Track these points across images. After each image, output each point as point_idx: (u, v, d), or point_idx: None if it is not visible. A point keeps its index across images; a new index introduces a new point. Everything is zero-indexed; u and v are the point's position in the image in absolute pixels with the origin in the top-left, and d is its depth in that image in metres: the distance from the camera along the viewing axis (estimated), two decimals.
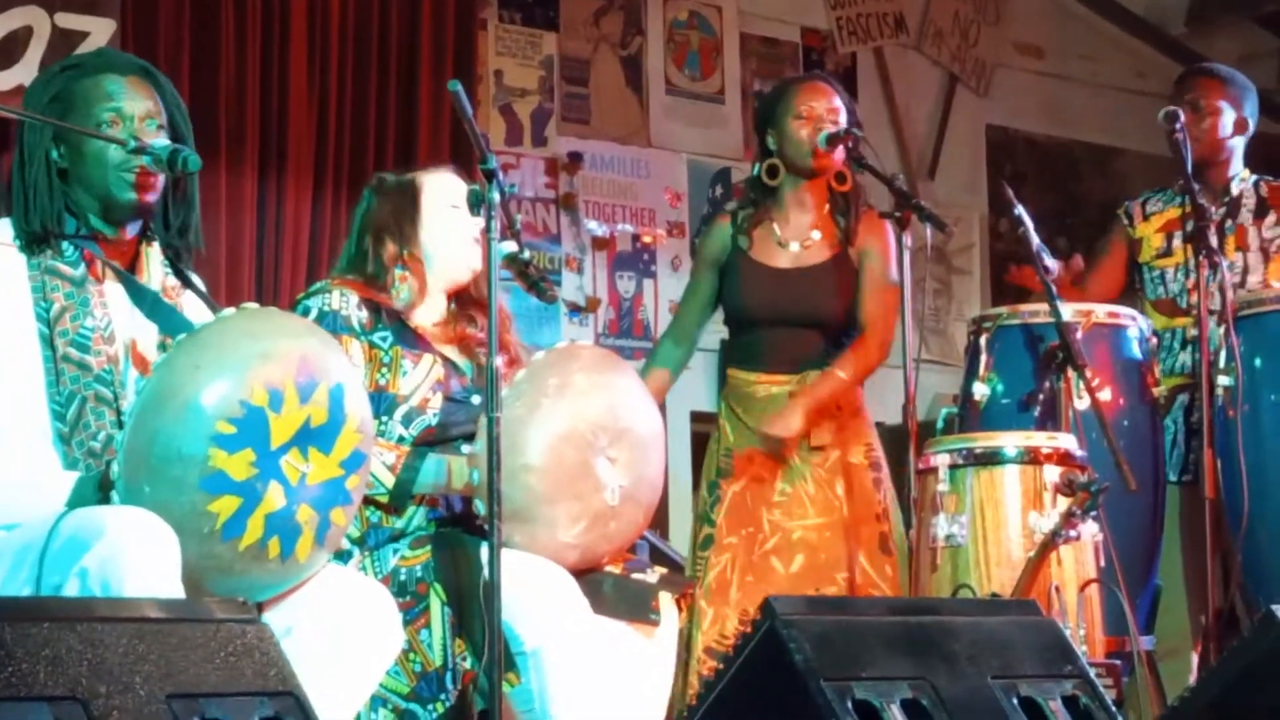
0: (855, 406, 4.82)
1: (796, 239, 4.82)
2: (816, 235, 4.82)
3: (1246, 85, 5.35)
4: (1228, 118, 5.24)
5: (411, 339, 4.01)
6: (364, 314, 3.99)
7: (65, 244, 3.33)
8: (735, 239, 4.84)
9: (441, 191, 4.10)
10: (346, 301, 3.99)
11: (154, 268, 3.46)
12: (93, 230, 3.36)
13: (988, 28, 9.61)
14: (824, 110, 4.75)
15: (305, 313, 3.97)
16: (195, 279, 3.53)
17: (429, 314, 4.10)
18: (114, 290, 3.37)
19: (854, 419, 4.79)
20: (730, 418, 4.82)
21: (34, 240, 3.31)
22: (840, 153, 4.73)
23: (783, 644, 2.80)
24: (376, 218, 4.15)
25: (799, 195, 4.82)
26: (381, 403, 3.90)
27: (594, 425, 3.86)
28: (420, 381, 3.96)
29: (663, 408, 4.44)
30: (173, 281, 3.48)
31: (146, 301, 3.38)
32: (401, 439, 3.91)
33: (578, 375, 3.88)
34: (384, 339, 3.98)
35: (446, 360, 4.01)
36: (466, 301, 4.13)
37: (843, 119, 4.75)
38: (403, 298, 4.05)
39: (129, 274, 3.40)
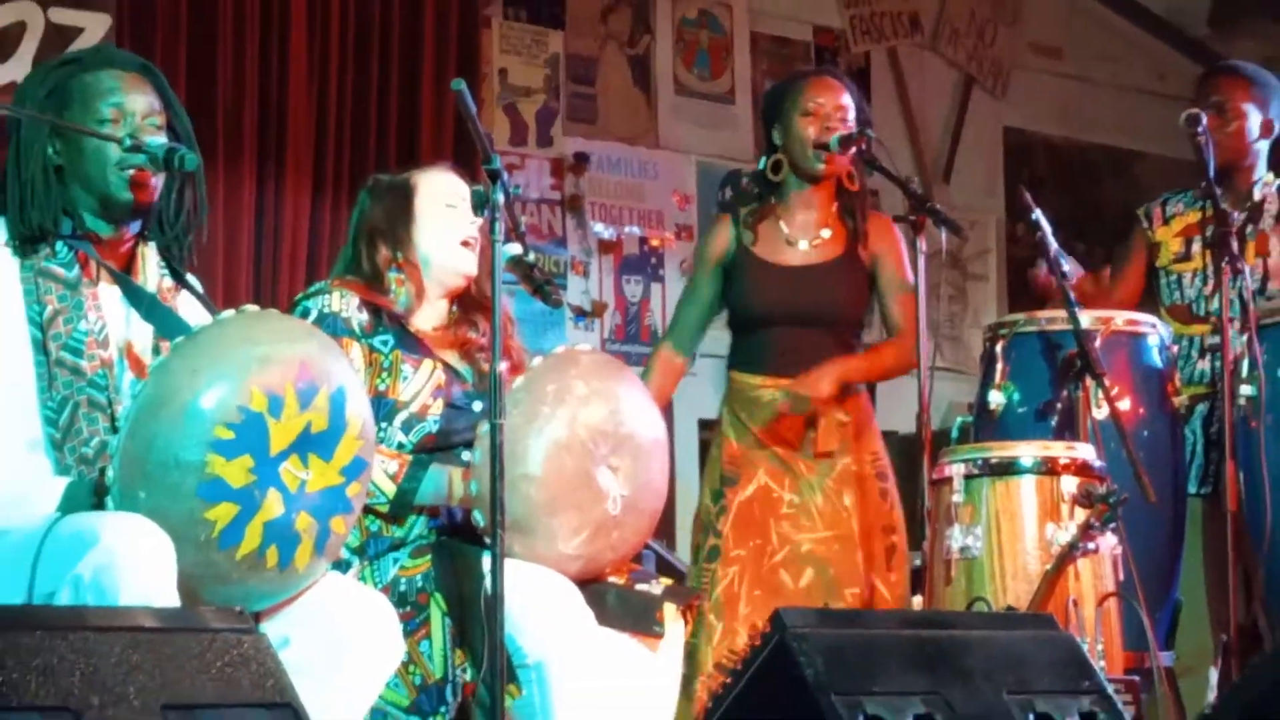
0: (866, 415, 4.82)
1: (806, 236, 4.81)
2: (827, 233, 4.81)
3: (1274, 85, 5.33)
4: (1254, 120, 5.24)
5: (412, 343, 4.02)
6: (365, 316, 4.00)
7: (59, 245, 3.33)
8: (739, 237, 4.83)
9: (436, 191, 4.11)
10: (347, 303, 4.00)
11: (150, 269, 3.46)
12: (88, 231, 3.36)
13: (1005, 28, 9.62)
14: (832, 108, 4.73)
15: (305, 314, 3.98)
16: (192, 280, 3.53)
17: (429, 318, 4.10)
18: (109, 292, 3.37)
19: (864, 429, 4.79)
20: (734, 423, 4.80)
21: (27, 241, 3.31)
22: (853, 155, 4.72)
23: (793, 657, 2.80)
24: (371, 220, 4.16)
25: (805, 193, 4.81)
26: (381, 408, 3.90)
27: (594, 433, 3.85)
28: (421, 387, 3.97)
29: (669, 416, 4.44)
30: (169, 283, 3.49)
31: (143, 303, 3.38)
32: (402, 445, 3.92)
33: (577, 381, 3.88)
34: (385, 343, 3.98)
35: (447, 366, 4.02)
36: (469, 305, 4.13)
37: (851, 117, 4.74)
38: (401, 301, 4.06)
39: (125, 275, 3.40)
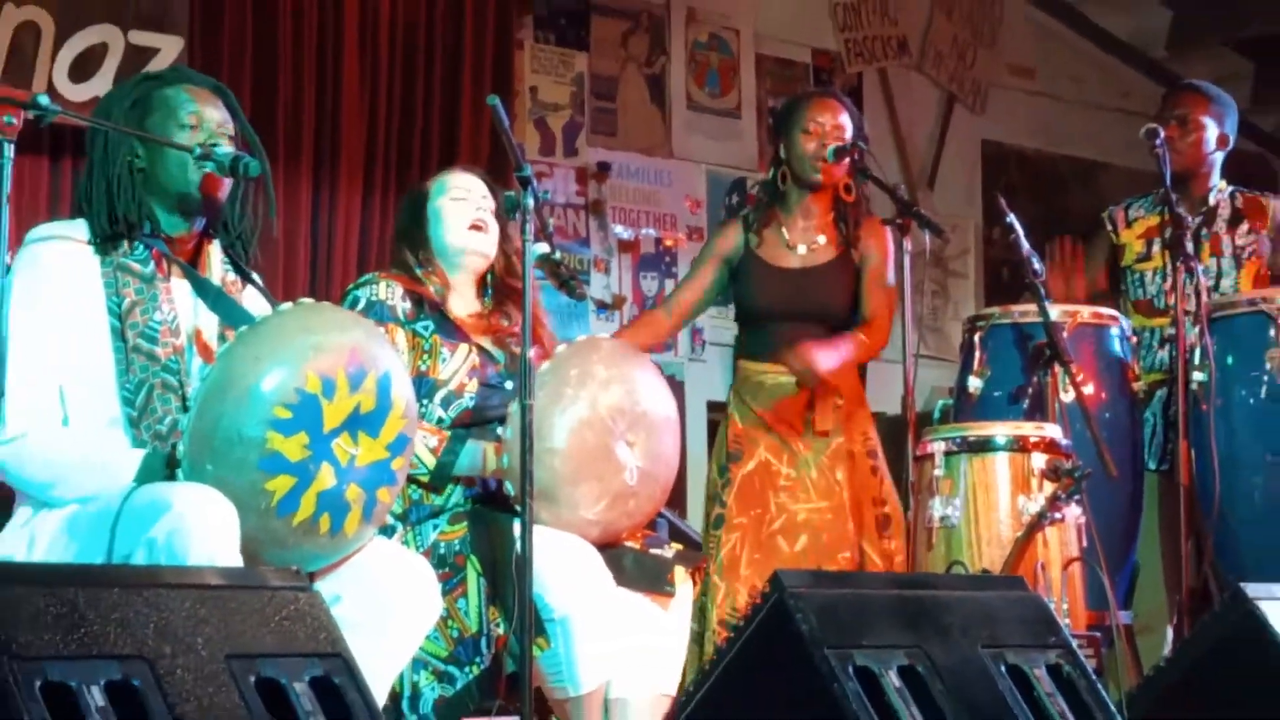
0: (858, 398, 4.82)
1: (803, 242, 4.80)
2: (821, 239, 4.81)
3: (1229, 103, 5.33)
4: (1211, 133, 5.22)
5: (450, 329, 4.02)
6: (407, 304, 4.01)
7: (136, 243, 3.34)
8: (746, 241, 4.83)
9: (444, 190, 4.14)
10: (392, 292, 4.01)
11: (215, 264, 3.47)
12: (162, 230, 3.37)
13: (983, 50, 9.60)
14: (830, 126, 4.73)
15: (354, 302, 4.00)
16: (253, 274, 3.54)
17: (463, 305, 4.11)
18: (179, 286, 3.38)
19: (857, 410, 4.79)
20: (739, 406, 4.81)
21: (107, 239, 3.32)
22: (845, 165, 4.72)
23: (790, 615, 2.80)
24: (398, 225, 4.23)
25: (805, 203, 4.81)
26: (422, 386, 3.91)
27: (612, 411, 3.86)
28: (458, 368, 3.97)
29: (681, 397, 4.43)
30: (233, 277, 3.49)
31: (210, 295, 3.39)
32: (441, 420, 3.92)
33: (597, 365, 3.89)
34: (425, 328, 3.99)
35: (481, 349, 4.02)
36: (503, 296, 4.14)
37: (848, 134, 4.73)
38: (435, 291, 4.07)
39: (193, 270, 3.41)
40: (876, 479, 4.75)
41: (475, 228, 4.06)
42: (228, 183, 3.37)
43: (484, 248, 4.09)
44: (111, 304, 3.27)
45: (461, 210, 4.07)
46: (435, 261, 4.10)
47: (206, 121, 3.36)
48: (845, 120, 4.77)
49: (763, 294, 4.79)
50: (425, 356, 3.97)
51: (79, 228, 3.34)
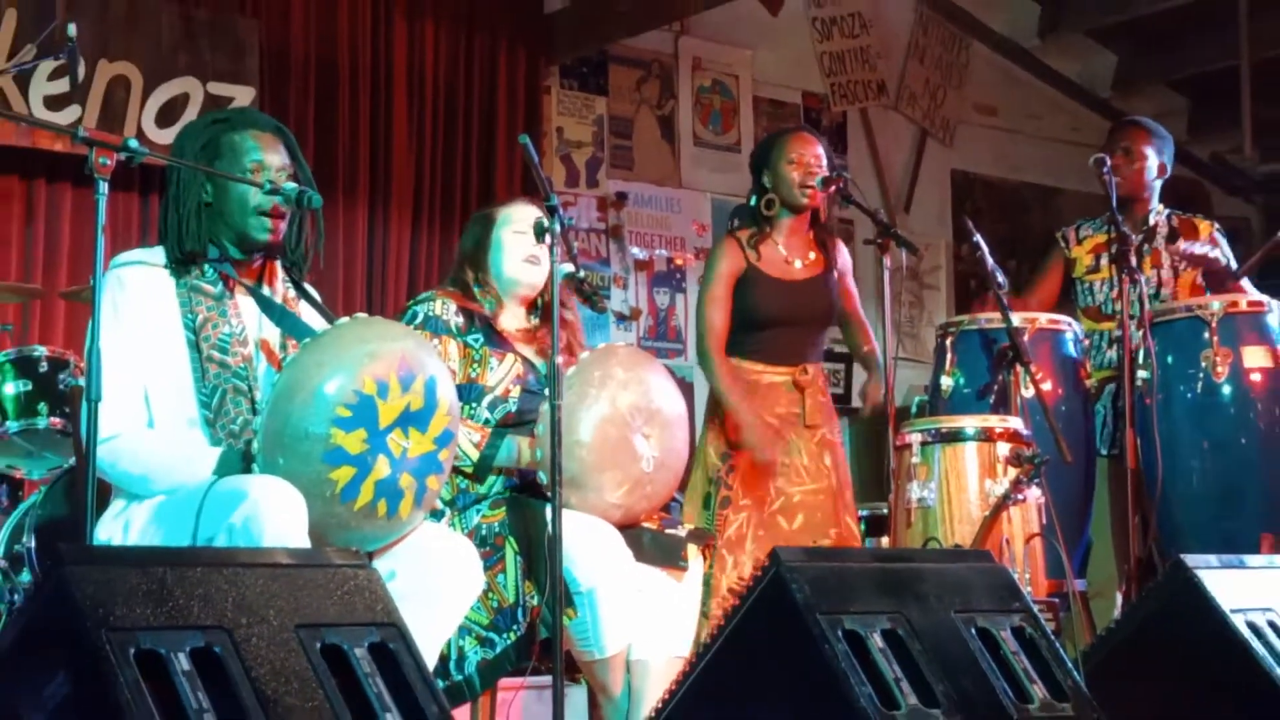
0: (830, 397, 4.85)
1: (799, 258, 4.80)
2: (812, 255, 4.81)
3: (1167, 137, 5.33)
4: (1152, 162, 5.21)
5: (497, 341, 4.02)
6: (460, 319, 4.01)
7: (207, 267, 3.34)
8: (748, 258, 4.81)
9: (509, 221, 4.11)
10: (446, 309, 4.01)
11: (278, 283, 3.48)
12: (230, 256, 3.37)
13: (952, 91, 9.60)
14: (810, 157, 4.73)
15: (414, 316, 4.00)
16: (311, 290, 3.54)
17: (511, 320, 4.11)
18: (246, 302, 3.38)
19: (833, 410, 4.81)
20: None
21: (181, 264, 3.33)
22: (832, 194, 4.73)
23: (786, 585, 2.80)
24: (463, 245, 4.20)
25: (792, 222, 4.80)
26: (472, 392, 3.91)
27: (631, 409, 3.86)
28: (503, 376, 3.97)
29: (690, 395, 4.43)
30: (293, 294, 3.50)
31: (273, 311, 3.39)
32: (486, 421, 3.92)
33: (617, 369, 3.89)
34: (476, 340, 3.99)
35: (525, 360, 4.02)
36: (547, 314, 4.13)
37: (824, 163, 4.74)
38: (488, 307, 4.07)
39: (258, 289, 3.41)
40: (846, 466, 4.78)
41: (530, 261, 4.05)
42: (286, 216, 3.37)
43: (535, 279, 4.07)
44: (187, 320, 3.28)
45: (521, 244, 4.04)
46: (491, 283, 4.10)
47: (267, 168, 3.36)
48: (821, 151, 4.78)
49: (767, 303, 4.76)
50: (475, 365, 3.97)
51: (158, 253, 3.35)
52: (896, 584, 2.95)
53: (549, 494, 3.51)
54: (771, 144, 4.86)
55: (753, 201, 4.85)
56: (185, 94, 6.79)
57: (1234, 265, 5.18)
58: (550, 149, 8.05)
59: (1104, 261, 5.19)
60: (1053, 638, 3.08)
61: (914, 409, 5.37)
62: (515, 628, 3.70)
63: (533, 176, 3.81)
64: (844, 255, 4.90)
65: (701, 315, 4.81)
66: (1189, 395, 4.79)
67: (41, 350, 5.40)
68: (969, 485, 4.29)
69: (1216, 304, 4.82)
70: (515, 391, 3.96)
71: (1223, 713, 3.27)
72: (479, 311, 4.04)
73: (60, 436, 5.31)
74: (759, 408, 4.68)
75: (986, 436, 4.31)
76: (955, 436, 4.33)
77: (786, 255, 4.79)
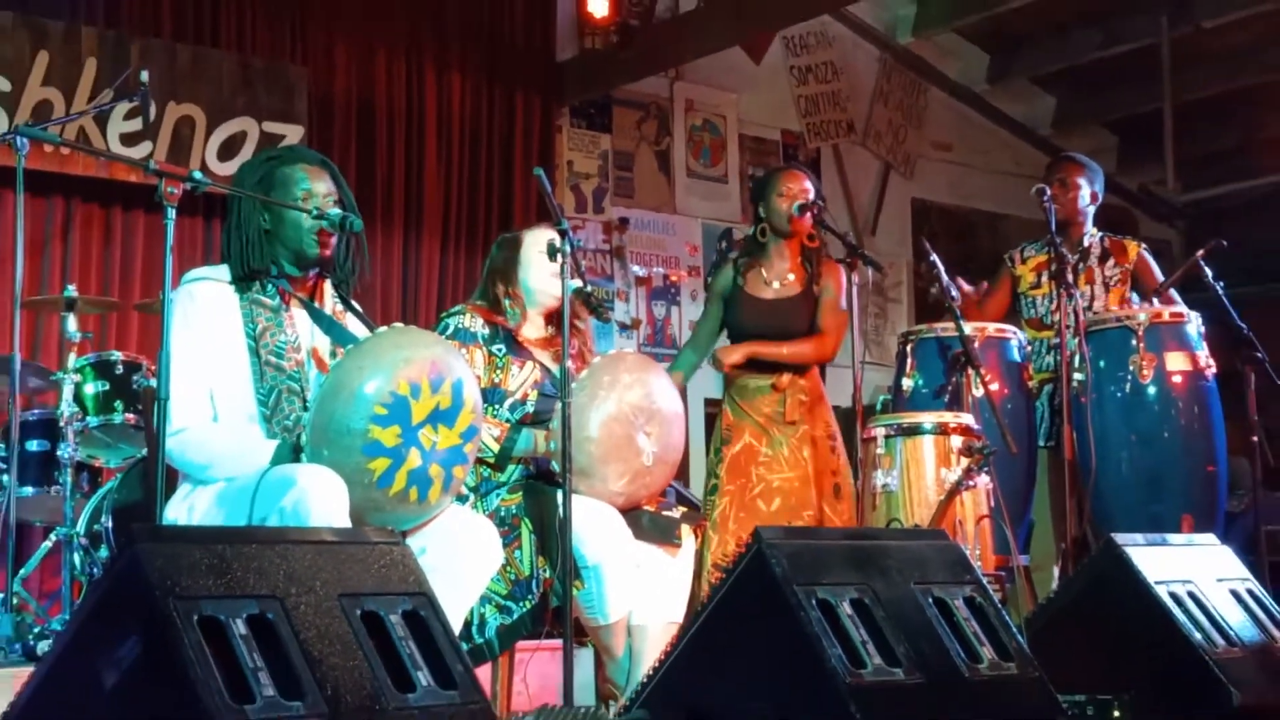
0: (819, 395, 4.81)
1: (778, 279, 4.79)
2: (791, 278, 4.79)
3: (1098, 170, 5.33)
4: (1085, 192, 5.21)
5: (518, 349, 4.01)
6: (486, 330, 4.00)
7: (266, 283, 3.34)
8: (735, 279, 4.82)
9: (534, 243, 4.09)
10: (474, 320, 4.00)
11: (327, 298, 3.47)
12: (285, 274, 3.38)
13: (912, 130, 9.61)
14: (798, 190, 4.72)
15: (445, 328, 3.99)
16: (356, 305, 3.54)
17: (534, 330, 4.09)
18: (300, 314, 3.38)
19: (818, 404, 4.78)
20: (730, 403, 4.79)
21: (243, 280, 3.33)
22: (809, 219, 4.72)
23: (767, 560, 2.80)
24: (494, 263, 4.16)
25: (780, 249, 4.79)
26: (495, 395, 3.91)
27: (634, 408, 3.85)
28: (523, 381, 3.96)
29: (684, 395, 4.43)
30: (340, 307, 3.49)
31: (324, 322, 3.39)
32: (507, 420, 3.91)
33: (623, 373, 3.88)
34: (499, 350, 3.98)
35: (543, 366, 4.01)
36: (561, 326, 4.12)
37: (811, 195, 4.74)
38: (513, 319, 4.06)
39: (310, 302, 3.41)
40: (835, 456, 4.73)
41: (555, 276, 4.03)
42: (335, 237, 3.38)
43: (559, 292, 4.05)
44: (248, 329, 3.28)
45: (546, 263, 4.01)
46: (520, 296, 4.08)
47: (315, 195, 3.36)
48: (808, 185, 4.77)
49: (747, 319, 4.77)
50: (498, 371, 3.96)
51: (223, 271, 3.35)
52: (863, 559, 2.95)
53: (560, 481, 3.51)
54: (766, 180, 4.88)
55: (753, 231, 4.87)
56: (243, 131, 6.79)
57: (1160, 278, 5.18)
58: (562, 180, 8.06)
59: (1044, 278, 5.19)
60: (999, 606, 3.08)
61: (879, 406, 5.35)
62: (530, 597, 3.69)
63: (547, 204, 3.81)
64: (835, 280, 4.74)
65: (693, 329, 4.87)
66: (1118, 395, 4.79)
67: (118, 355, 5.41)
68: (927, 473, 4.28)
69: (1143, 315, 4.83)
70: (533, 395, 3.95)
71: (1147, 670, 3.27)
72: (503, 324, 4.03)
73: (134, 430, 5.31)
74: (748, 409, 4.70)
75: (942, 430, 4.31)
76: (915, 430, 4.32)
77: (767, 277, 4.79)
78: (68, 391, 5.10)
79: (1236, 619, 3.41)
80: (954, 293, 4.72)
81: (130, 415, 5.26)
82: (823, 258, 4.83)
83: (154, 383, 3.20)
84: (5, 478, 4.93)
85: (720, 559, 4.52)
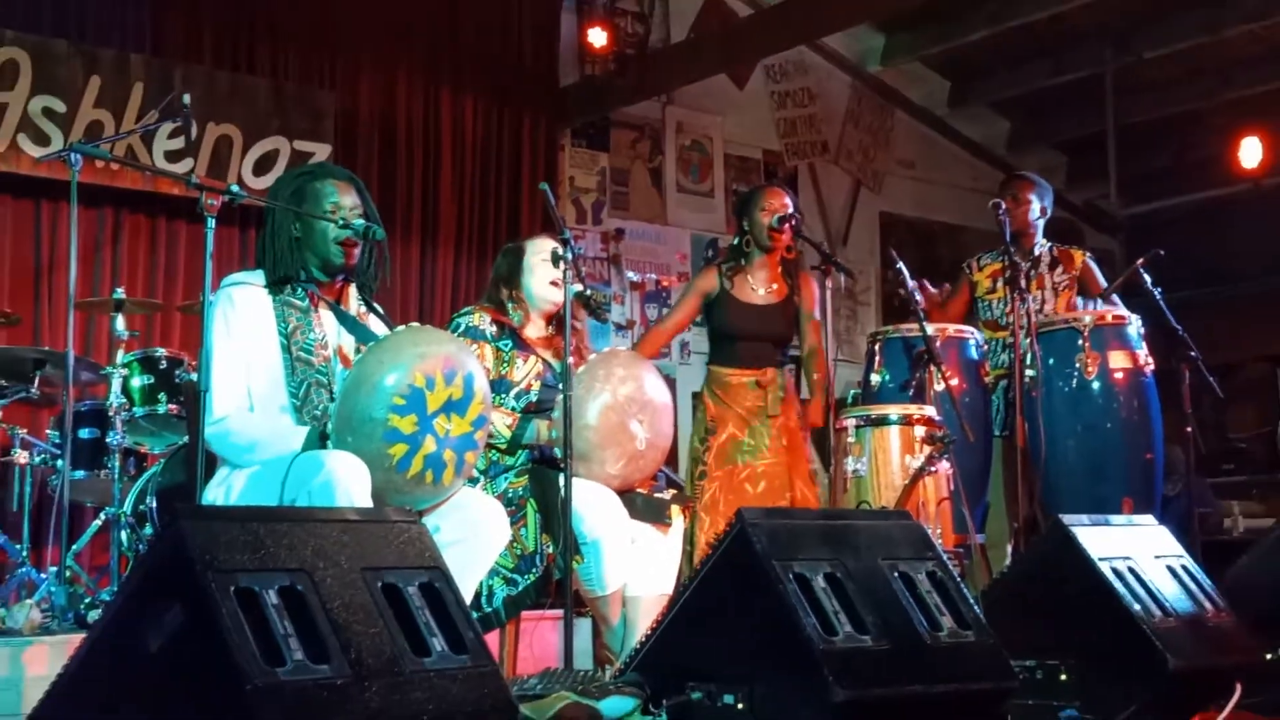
0: (793, 392, 4.82)
1: (763, 287, 4.79)
2: (775, 286, 4.79)
3: (1047, 186, 5.33)
4: (1036, 206, 5.21)
5: (523, 346, 4.01)
6: (493, 329, 3.99)
7: (297, 287, 3.34)
8: (722, 284, 4.81)
9: (535, 251, 4.09)
10: (483, 320, 4.00)
11: (351, 301, 3.47)
12: (313, 279, 3.37)
13: (880, 150, 9.61)
14: (778, 205, 4.73)
15: (456, 327, 3.99)
16: (377, 306, 3.54)
17: (535, 330, 4.09)
18: (327, 316, 3.37)
19: (791, 400, 4.79)
20: (712, 395, 4.78)
21: (277, 284, 3.32)
22: (788, 232, 4.72)
23: (749, 538, 2.79)
24: (499, 270, 4.15)
25: (762, 259, 4.80)
26: (502, 386, 3.90)
27: (628, 399, 3.85)
28: (527, 373, 3.96)
29: (674, 389, 4.42)
30: (363, 309, 3.49)
31: (348, 322, 3.39)
32: (514, 409, 3.91)
33: (618, 368, 3.88)
34: (505, 345, 3.98)
35: (544, 360, 4.01)
36: (560, 325, 4.12)
37: (790, 210, 4.74)
38: (516, 319, 4.05)
39: (337, 304, 3.41)
40: (806, 445, 4.76)
41: (554, 284, 4.03)
42: (359, 245, 3.37)
43: (557, 297, 4.03)
44: (280, 328, 3.27)
45: (546, 269, 4.02)
46: (523, 299, 4.07)
47: (342, 207, 3.36)
48: (788, 201, 4.77)
49: (735, 321, 4.77)
50: (505, 365, 3.96)
51: (258, 275, 3.34)
52: (836, 537, 2.94)
53: (562, 465, 3.50)
54: (750, 196, 4.88)
55: (735, 241, 4.86)
56: (276, 149, 6.79)
57: (1104, 284, 5.18)
58: (564, 194, 8.06)
59: (1000, 284, 5.19)
60: (958, 580, 3.08)
61: (849, 400, 5.35)
62: (534, 570, 3.69)
63: (550, 216, 3.80)
64: (809, 291, 4.80)
65: (668, 310, 4.86)
66: (1066, 389, 4.79)
67: (161, 351, 5.41)
68: (893, 460, 4.29)
69: (1088, 318, 4.83)
70: (536, 385, 3.95)
71: (1091, 638, 3.27)
72: (508, 323, 4.03)
73: (176, 420, 5.31)
74: (731, 402, 4.69)
75: (907, 421, 4.31)
76: (882, 421, 4.33)
77: (753, 284, 4.79)
78: (116, 384, 5.10)
79: (1172, 592, 3.41)
80: (918, 297, 4.72)
81: (173, 406, 5.26)
82: (799, 269, 4.85)
83: (195, 377, 3.20)
84: (60, 462, 4.92)
85: (713, 539, 4.51)
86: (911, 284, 4.71)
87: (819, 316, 4.76)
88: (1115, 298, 5.13)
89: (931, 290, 5.07)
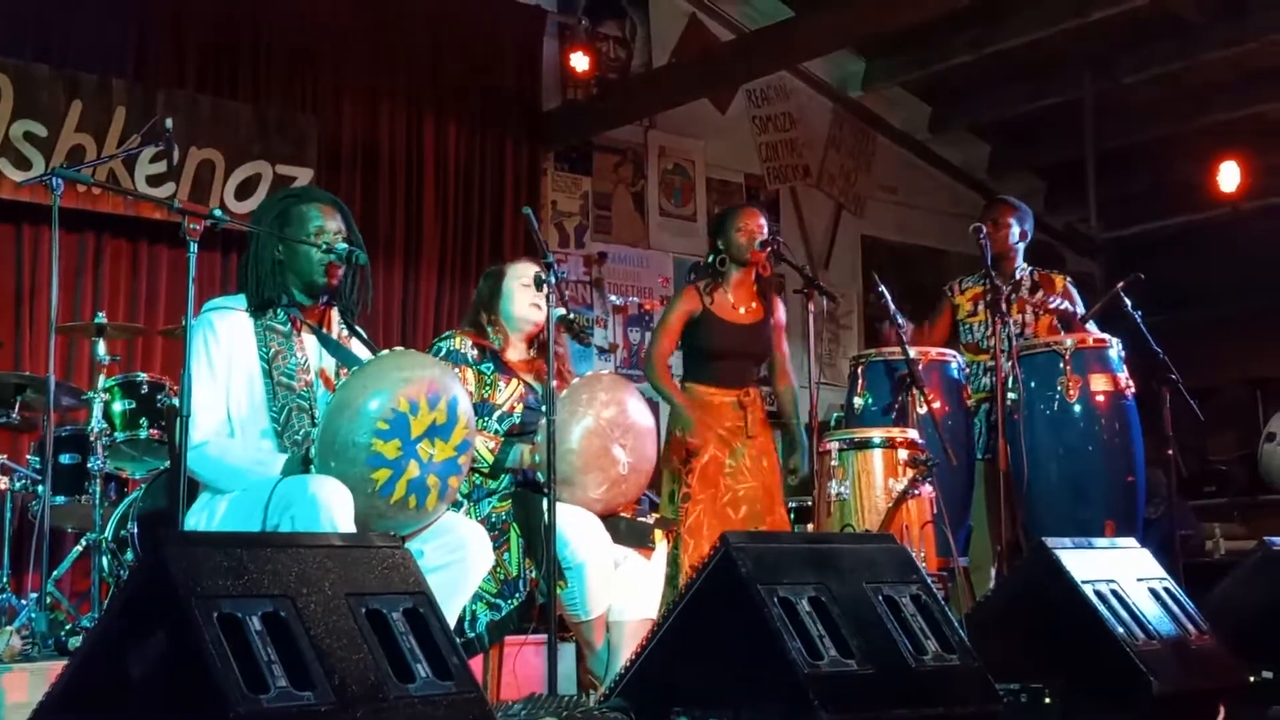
0: (765, 414, 4.83)
1: (743, 305, 4.80)
2: (754, 305, 4.81)
3: (1028, 210, 5.36)
4: (1016, 230, 5.24)
5: (504, 369, 4.00)
6: (475, 352, 3.99)
7: (279, 311, 3.33)
8: (704, 302, 4.81)
9: (515, 275, 4.09)
10: (464, 344, 3.99)
11: (334, 324, 3.46)
12: (296, 302, 3.36)
13: (862, 175, 9.65)
14: (754, 226, 4.75)
15: (438, 350, 3.98)
16: (360, 330, 3.53)
17: (516, 353, 4.08)
18: (309, 339, 3.37)
19: (767, 422, 4.80)
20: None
21: (259, 308, 3.32)
22: (766, 252, 4.74)
23: (733, 561, 2.79)
24: (479, 294, 4.16)
25: (739, 278, 4.81)
26: (484, 409, 3.90)
27: (611, 423, 3.85)
28: (509, 396, 3.95)
29: (657, 412, 4.42)
30: (346, 332, 3.48)
31: (331, 346, 3.38)
32: (496, 431, 3.90)
33: (600, 392, 3.87)
34: (487, 369, 3.97)
35: (526, 384, 4.01)
36: (542, 348, 4.12)
37: (765, 231, 4.76)
38: (497, 343, 4.05)
39: (319, 328, 3.40)
40: (777, 469, 4.77)
41: (533, 306, 4.03)
42: (342, 269, 3.37)
43: (537, 319, 4.04)
44: (262, 353, 3.26)
45: (525, 293, 4.02)
46: (502, 323, 4.07)
47: (326, 231, 3.36)
48: (763, 222, 4.80)
49: (717, 340, 4.76)
50: (487, 388, 3.95)
51: (240, 300, 3.34)
52: (820, 561, 2.94)
53: (546, 490, 3.50)
54: (725, 216, 4.90)
55: (710, 259, 4.86)
56: (258, 174, 6.78)
57: (1082, 310, 5.21)
58: (547, 218, 8.06)
59: (981, 307, 5.21)
60: (942, 603, 3.08)
61: (833, 423, 5.36)
62: (518, 595, 3.68)
63: (533, 240, 3.81)
64: (780, 311, 4.88)
65: (655, 338, 4.84)
66: (1048, 412, 4.80)
67: (143, 376, 5.38)
68: (876, 483, 4.28)
69: (1069, 341, 4.85)
70: (519, 408, 3.95)
71: (1075, 661, 3.28)
72: (489, 346, 4.03)
73: (157, 444, 5.28)
74: (711, 422, 4.69)
75: (890, 444, 4.32)
76: (865, 444, 4.33)
77: (734, 303, 4.80)
78: (97, 409, 5.07)
79: (1155, 614, 3.42)
80: (900, 320, 4.74)
81: (154, 431, 5.23)
82: (771, 290, 4.87)
83: (176, 401, 3.19)
84: (40, 487, 4.89)
85: (694, 562, 4.50)
86: (894, 309, 4.72)
87: (782, 332, 4.83)
88: (1094, 321, 5.15)
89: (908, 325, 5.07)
